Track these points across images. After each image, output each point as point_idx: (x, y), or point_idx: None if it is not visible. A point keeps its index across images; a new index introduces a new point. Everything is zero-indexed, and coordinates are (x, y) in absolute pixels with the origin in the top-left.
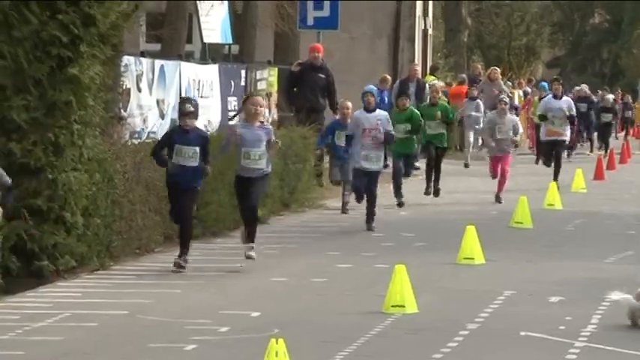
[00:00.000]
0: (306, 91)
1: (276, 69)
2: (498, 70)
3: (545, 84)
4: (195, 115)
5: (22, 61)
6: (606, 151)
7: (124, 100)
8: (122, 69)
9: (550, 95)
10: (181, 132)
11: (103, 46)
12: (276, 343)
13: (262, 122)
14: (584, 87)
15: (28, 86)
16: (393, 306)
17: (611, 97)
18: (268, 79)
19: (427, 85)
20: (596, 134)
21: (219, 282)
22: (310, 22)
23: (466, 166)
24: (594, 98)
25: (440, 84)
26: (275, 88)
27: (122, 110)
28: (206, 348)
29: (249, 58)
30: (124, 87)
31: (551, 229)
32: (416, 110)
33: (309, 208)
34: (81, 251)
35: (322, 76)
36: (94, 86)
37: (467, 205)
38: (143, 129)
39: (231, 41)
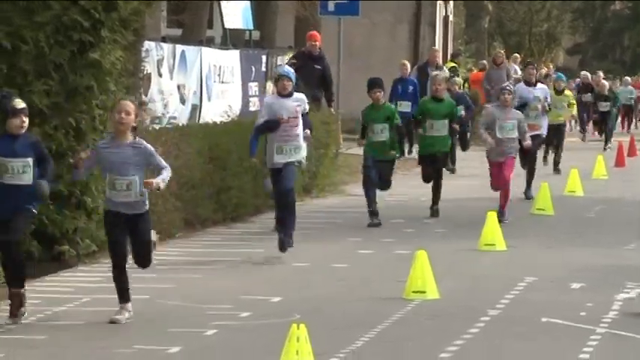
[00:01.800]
0: (302, 82)
1: None
2: (502, 52)
3: (561, 75)
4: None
5: (44, 46)
6: (607, 142)
7: (145, 85)
8: (143, 54)
9: (522, 83)
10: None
11: (124, 31)
12: (297, 328)
13: (134, 138)
14: (587, 74)
15: (50, 71)
16: (414, 292)
17: (606, 83)
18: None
19: (445, 69)
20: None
21: (239, 267)
22: (331, 7)
23: (452, 171)
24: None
25: (444, 74)
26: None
27: (143, 95)
28: (227, 333)
29: (270, 43)
30: (145, 72)
31: (572, 216)
32: (392, 106)
33: (330, 193)
34: (102, 236)
35: (318, 67)
36: (115, 71)
37: (488, 191)
38: (164, 114)
39: (252, 27)
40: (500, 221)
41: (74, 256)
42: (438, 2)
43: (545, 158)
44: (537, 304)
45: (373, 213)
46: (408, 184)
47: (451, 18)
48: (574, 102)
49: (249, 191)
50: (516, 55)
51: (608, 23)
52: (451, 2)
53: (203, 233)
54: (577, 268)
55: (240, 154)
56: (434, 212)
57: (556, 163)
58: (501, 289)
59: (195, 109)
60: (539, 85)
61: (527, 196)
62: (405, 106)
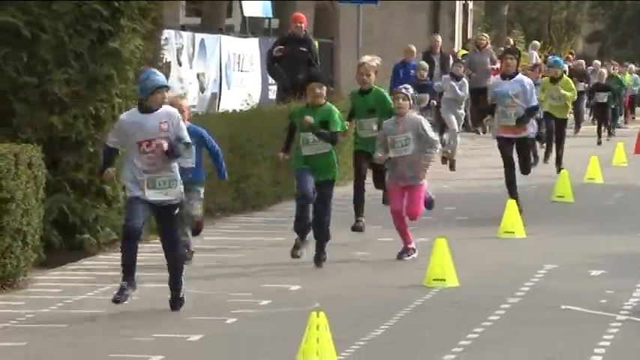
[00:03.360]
0: (287, 67)
1: (316, 43)
2: (487, 35)
3: (558, 59)
4: None
5: (63, 35)
6: (609, 134)
7: (165, 73)
8: (162, 43)
9: (498, 76)
10: None
11: (143, 19)
12: (317, 316)
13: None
14: (580, 62)
15: (69, 60)
16: (434, 279)
17: (605, 71)
18: None
19: (450, 57)
20: (591, 117)
21: (259, 255)
22: None
23: (449, 165)
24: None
25: (375, 61)
26: None
27: None
28: (246, 321)
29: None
30: (165, 61)
31: (592, 203)
32: (382, 90)
33: (349, 181)
34: (121, 224)
35: (304, 49)
36: (135, 60)
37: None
38: None
39: (271, 15)
40: (400, 258)
41: (94, 245)
42: None
43: (546, 156)
44: (557, 292)
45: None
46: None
47: (471, 6)
48: (573, 87)
49: (268, 179)
50: (536, 42)
51: (628, 11)
52: None
53: (222, 222)
54: (597, 255)
55: (259, 142)
56: (356, 227)
57: (558, 159)
58: (521, 277)
59: (215, 98)
60: (517, 76)
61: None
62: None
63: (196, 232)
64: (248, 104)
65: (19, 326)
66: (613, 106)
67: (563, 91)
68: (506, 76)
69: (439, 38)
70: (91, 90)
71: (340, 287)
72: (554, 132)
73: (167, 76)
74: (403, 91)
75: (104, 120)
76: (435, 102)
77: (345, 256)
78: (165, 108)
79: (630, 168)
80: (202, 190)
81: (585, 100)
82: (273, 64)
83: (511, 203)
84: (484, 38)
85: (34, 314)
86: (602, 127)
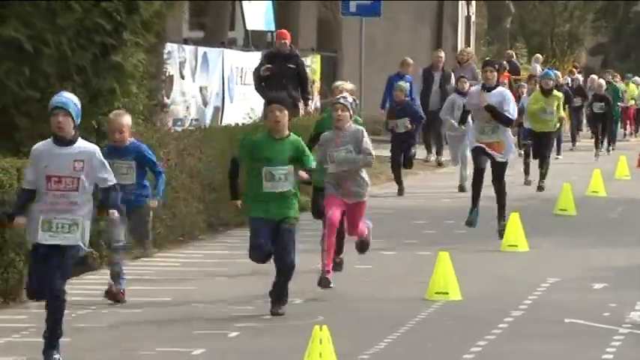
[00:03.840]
0: (276, 85)
1: (319, 56)
2: (470, 50)
3: (549, 71)
4: None
5: (66, 49)
6: (609, 148)
7: (167, 87)
8: (165, 56)
9: (476, 87)
10: None
11: (146, 33)
12: (320, 329)
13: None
14: (557, 73)
15: (72, 74)
16: (436, 293)
17: (602, 82)
18: (311, 66)
19: (452, 75)
20: (583, 128)
21: (262, 269)
22: (353, 8)
23: (461, 188)
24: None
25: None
26: (318, 76)
27: (165, 97)
28: (250, 334)
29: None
30: (167, 74)
31: (594, 216)
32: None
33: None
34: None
35: (291, 65)
36: (138, 74)
37: (510, 192)
38: (186, 116)
39: (274, 28)
40: (322, 285)
41: (97, 259)
42: (460, 3)
43: (526, 172)
44: (560, 305)
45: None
46: (430, 186)
47: (473, 18)
48: (562, 107)
49: None
50: (538, 55)
51: (631, 24)
52: (473, 3)
53: (225, 235)
54: (599, 268)
55: None
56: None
57: (541, 176)
58: (524, 290)
59: (218, 111)
60: (498, 88)
61: (501, 223)
62: None
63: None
64: (251, 118)
65: (22, 340)
66: (614, 116)
67: (562, 114)
68: (487, 88)
69: (442, 54)
70: (93, 104)
71: (343, 301)
72: (539, 147)
73: (169, 90)
74: (342, 100)
75: (106, 133)
76: (413, 126)
77: (348, 270)
78: (83, 145)
79: (633, 181)
80: (150, 211)
81: (583, 114)
82: (261, 84)
83: (514, 216)
84: (465, 54)
85: (36, 328)
86: (600, 140)
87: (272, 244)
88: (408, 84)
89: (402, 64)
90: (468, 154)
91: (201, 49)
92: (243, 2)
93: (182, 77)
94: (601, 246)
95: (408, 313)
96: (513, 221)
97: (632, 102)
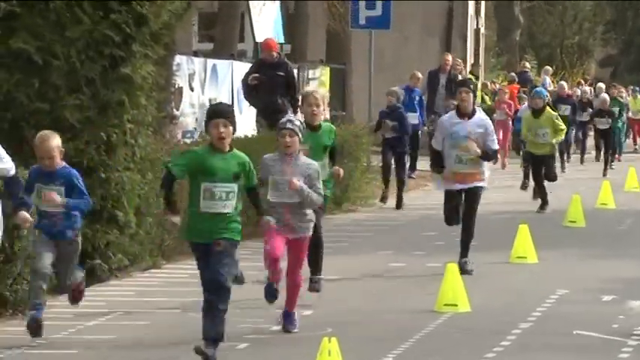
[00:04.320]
0: (266, 93)
1: (328, 68)
2: (450, 58)
3: (541, 89)
4: None
5: (75, 61)
6: (606, 166)
7: (177, 99)
8: (174, 68)
9: (450, 113)
10: None
11: (155, 45)
12: (329, 341)
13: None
14: (562, 84)
15: (81, 86)
16: (445, 305)
17: (607, 96)
18: (320, 78)
19: (459, 78)
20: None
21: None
22: (362, 21)
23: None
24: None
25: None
26: (327, 87)
27: (174, 109)
28: (258, 346)
29: (301, 57)
30: (177, 86)
31: (604, 228)
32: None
33: (361, 206)
34: (133, 250)
35: (281, 73)
36: (147, 86)
37: (519, 204)
38: (195, 128)
39: (283, 40)
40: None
41: (106, 271)
42: (470, 15)
43: (524, 184)
44: (569, 317)
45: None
46: (439, 197)
47: (482, 30)
48: (562, 127)
49: None
50: (548, 67)
51: None
52: (483, 15)
53: None
54: (608, 280)
55: None
56: (313, 285)
57: (542, 203)
58: (533, 302)
59: None
60: (477, 115)
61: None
62: (412, 118)
63: (75, 300)
64: (261, 128)
65: (31, 352)
66: (620, 131)
67: (554, 140)
68: (464, 114)
69: (449, 57)
70: (102, 116)
71: (352, 312)
72: (535, 170)
73: (179, 102)
74: (289, 125)
75: (116, 146)
76: (394, 124)
77: (357, 282)
78: None
79: None
80: (78, 248)
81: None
82: (250, 92)
83: (522, 228)
84: (448, 61)
85: (46, 340)
86: (609, 156)
87: (205, 267)
88: (402, 90)
89: (412, 78)
90: None
91: (211, 61)
92: (253, 14)
93: (191, 89)
94: (610, 258)
95: (416, 325)
96: (522, 233)
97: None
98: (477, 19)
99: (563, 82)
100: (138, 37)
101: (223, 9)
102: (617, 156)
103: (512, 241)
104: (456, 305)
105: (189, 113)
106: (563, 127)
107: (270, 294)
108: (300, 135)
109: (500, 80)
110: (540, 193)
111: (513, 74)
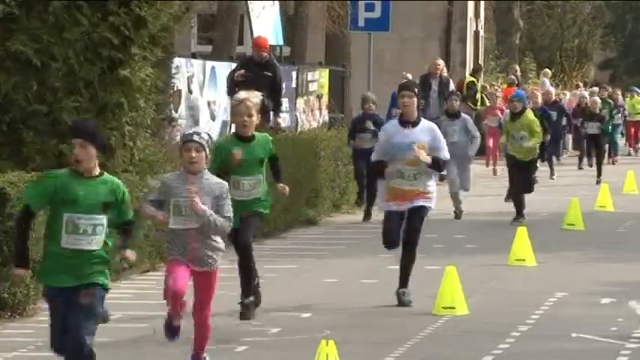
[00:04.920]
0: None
1: (327, 70)
2: (442, 62)
3: (520, 92)
4: None
5: (74, 63)
6: (599, 172)
7: (175, 101)
8: (173, 71)
9: (395, 121)
10: None
11: (153, 47)
12: (327, 344)
13: None
14: (551, 89)
15: (80, 88)
16: (443, 307)
17: (597, 99)
18: (319, 80)
19: (451, 81)
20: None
21: (269, 283)
22: (361, 23)
23: (457, 216)
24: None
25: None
26: (326, 90)
27: (173, 112)
28: (257, 349)
29: (300, 59)
30: (175, 89)
31: (602, 231)
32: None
33: (359, 209)
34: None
35: (268, 74)
36: (145, 88)
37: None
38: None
39: (282, 43)
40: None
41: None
42: (469, 18)
43: (509, 195)
44: (568, 320)
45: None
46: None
47: (482, 34)
48: (538, 129)
49: (279, 207)
50: (547, 70)
51: (639, 38)
52: (482, 18)
53: (232, 250)
54: (607, 283)
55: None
56: (244, 312)
57: (517, 211)
58: (531, 305)
59: (226, 126)
60: (422, 123)
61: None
62: None
63: None
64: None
65: (29, 354)
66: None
67: (526, 144)
68: (407, 122)
69: (440, 61)
70: (101, 118)
71: (350, 315)
72: (517, 176)
73: (177, 104)
74: (195, 138)
75: (114, 148)
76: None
77: (355, 285)
78: None
79: None
80: None
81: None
82: (235, 89)
83: (521, 230)
84: (439, 65)
85: (44, 343)
86: (601, 162)
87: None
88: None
89: (403, 79)
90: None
91: (210, 64)
92: (252, 17)
93: (190, 92)
94: (609, 261)
95: (414, 328)
96: (521, 236)
97: (639, 117)
98: (476, 21)
99: (550, 88)
100: (137, 39)
101: (222, 11)
102: (612, 157)
103: (511, 244)
104: (454, 308)
105: (188, 116)
106: (539, 129)
107: (171, 332)
108: (208, 150)
109: (500, 83)
110: (516, 201)
111: (512, 77)
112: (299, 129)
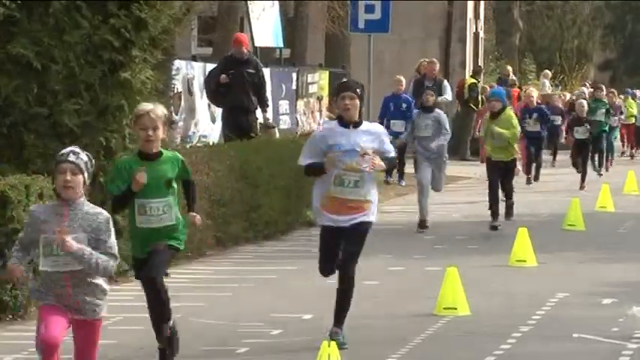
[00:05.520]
0: (234, 90)
1: (328, 72)
2: (436, 62)
3: (497, 90)
4: None
5: (74, 66)
6: (583, 179)
7: (176, 104)
8: (174, 73)
9: (334, 123)
10: None
11: (154, 50)
12: (328, 346)
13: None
14: (532, 92)
15: (80, 90)
16: (444, 308)
17: (584, 103)
18: (319, 82)
19: (445, 84)
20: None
21: (270, 285)
22: (361, 24)
23: (422, 225)
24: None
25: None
26: (326, 91)
27: (173, 114)
28: (258, 351)
29: (300, 61)
30: (176, 91)
31: (603, 231)
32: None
33: None
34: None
35: (251, 70)
36: (146, 90)
37: (518, 208)
38: (194, 132)
39: (282, 45)
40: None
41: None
42: (469, 18)
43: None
44: (569, 320)
45: None
46: (439, 201)
47: (482, 34)
48: (515, 125)
49: (280, 209)
50: (547, 71)
51: (639, 39)
52: (482, 19)
53: (234, 251)
54: (608, 283)
55: (270, 171)
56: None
57: (507, 210)
58: (532, 305)
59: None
60: (365, 124)
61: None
62: (399, 126)
63: None
64: (260, 133)
65: (30, 357)
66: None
67: (498, 129)
68: (348, 123)
69: (434, 63)
70: (101, 120)
71: (351, 316)
72: (496, 179)
73: (178, 106)
74: (72, 158)
75: (115, 150)
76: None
77: (357, 285)
78: None
79: None
80: None
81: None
82: (218, 90)
83: (521, 231)
84: (434, 65)
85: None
86: (587, 169)
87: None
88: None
89: (396, 83)
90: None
91: (210, 66)
92: (252, 19)
93: (190, 94)
94: (610, 261)
95: (415, 329)
96: (521, 236)
97: (633, 119)
98: (476, 22)
99: (532, 90)
100: (137, 41)
101: (222, 13)
102: (610, 159)
103: (512, 245)
104: (455, 309)
105: (189, 118)
106: (516, 126)
107: None
108: (87, 174)
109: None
110: (492, 208)
111: (514, 77)
112: (299, 131)
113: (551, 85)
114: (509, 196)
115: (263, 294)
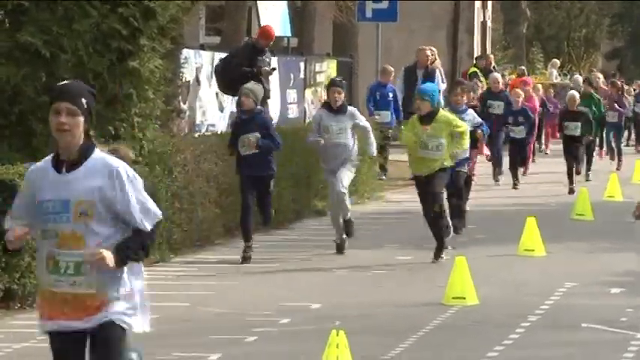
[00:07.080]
0: (255, 79)
1: (335, 61)
2: (431, 52)
3: (424, 87)
4: None
5: (83, 55)
6: (571, 180)
7: (184, 93)
8: (182, 62)
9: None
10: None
11: (162, 39)
12: (337, 334)
13: None
14: (497, 76)
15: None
16: (453, 298)
17: (575, 94)
18: (327, 71)
19: (438, 72)
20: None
21: (279, 274)
22: (369, 14)
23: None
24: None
25: None
26: None
27: (182, 103)
28: (267, 339)
29: (307, 50)
30: (184, 80)
31: (611, 221)
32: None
33: (368, 200)
34: None
35: (267, 60)
36: (154, 79)
37: (527, 197)
38: (202, 122)
39: (290, 34)
40: None
41: None
42: (476, 8)
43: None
44: (577, 310)
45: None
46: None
47: (489, 24)
48: (462, 128)
49: (288, 197)
50: (556, 60)
51: None
52: (489, 8)
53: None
54: (617, 273)
55: (278, 160)
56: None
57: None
58: (541, 295)
59: (234, 116)
60: (348, 108)
61: None
62: (385, 116)
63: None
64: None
65: (38, 346)
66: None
67: (455, 151)
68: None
69: (429, 52)
70: (110, 109)
71: (360, 305)
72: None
73: (186, 95)
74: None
75: (123, 139)
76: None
77: (365, 275)
78: None
79: None
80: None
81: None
82: (239, 78)
83: (530, 220)
84: (428, 52)
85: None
86: (577, 170)
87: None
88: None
89: (383, 73)
90: None
91: (218, 55)
92: (260, 8)
93: (198, 83)
94: (618, 250)
95: (424, 318)
96: (530, 226)
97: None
98: (483, 12)
99: (496, 75)
100: (145, 30)
101: (230, 2)
102: (602, 151)
103: (520, 234)
104: (464, 298)
105: (197, 107)
106: (463, 127)
107: None
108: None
109: (509, 73)
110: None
111: (523, 67)
112: (307, 120)
113: (559, 75)
114: (437, 202)
115: (272, 283)
